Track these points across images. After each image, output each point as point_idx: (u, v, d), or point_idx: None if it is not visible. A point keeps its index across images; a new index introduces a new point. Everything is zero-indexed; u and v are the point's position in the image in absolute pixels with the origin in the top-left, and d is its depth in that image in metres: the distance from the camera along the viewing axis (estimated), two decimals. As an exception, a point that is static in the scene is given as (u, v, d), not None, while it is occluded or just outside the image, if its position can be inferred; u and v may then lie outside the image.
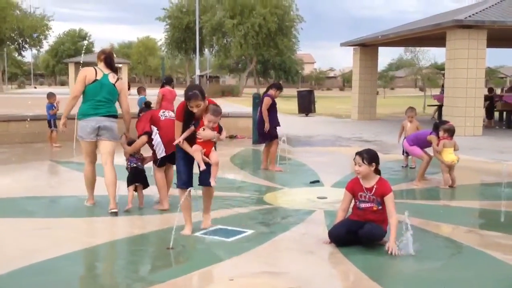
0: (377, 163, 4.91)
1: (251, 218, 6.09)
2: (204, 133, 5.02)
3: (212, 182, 5.06)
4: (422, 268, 4.47)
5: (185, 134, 5.09)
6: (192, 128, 5.05)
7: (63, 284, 4.02)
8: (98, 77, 6.18)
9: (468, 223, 5.94)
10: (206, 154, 5.07)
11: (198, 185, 5.26)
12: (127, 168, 6.39)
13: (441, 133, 7.86)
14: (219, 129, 5.13)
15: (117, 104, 6.41)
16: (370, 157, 4.87)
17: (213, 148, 5.16)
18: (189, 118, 5.08)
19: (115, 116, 6.30)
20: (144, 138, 6.25)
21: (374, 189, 4.88)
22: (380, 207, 4.86)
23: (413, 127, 9.53)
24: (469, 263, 4.63)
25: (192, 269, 4.31)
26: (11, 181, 8.18)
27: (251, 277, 4.18)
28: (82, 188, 6.52)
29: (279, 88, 9.54)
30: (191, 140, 5.10)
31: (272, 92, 9.27)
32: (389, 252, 4.60)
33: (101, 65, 6.29)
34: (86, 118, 6.14)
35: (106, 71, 6.27)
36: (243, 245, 4.96)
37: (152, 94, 18.75)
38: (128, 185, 6.28)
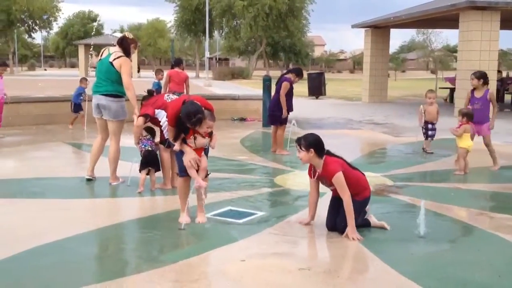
0: (316, 148, 4.70)
1: (262, 200, 6.11)
2: (197, 141, 4.89)
3: (197, 185, 4.88)
4: (432, 250, 4.47)
5: (179, 142, 4.93)
6: (182, 135, 4.92)
7: (73, 265, 4.06)
8: (102, 57, 6.48)
9: (479, 206, 5.92)
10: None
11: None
12: (141, 152, 6.39)
13: (459, 118, 7.74)
14: (210, 134, 4.99)
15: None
16: (307, 143, 4.70)
17: (203, 153, 5.01)
18: (183, 125, 4.87)
19: (115, 96, 6.38)
20: (139, 120, 6.12)
21: (322, 174, 4.78)
22: (332, 187, 4.77)
23: (433, 110, 9.35)
24: (479, 245, 4.62)
25: (204, 250, 4.34)
26: (22, 162, 8.25)
27: (262, 258, 4.20)
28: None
29: (299, 74, 9.09)
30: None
31: (291, 76, 8.99)
32: (351, 239, 4.54)
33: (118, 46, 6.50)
34: (92, 96, 6.55)
35: (113, 50, 6.43)
36: (254, 226, 4.98)
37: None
38: (141, 169, 6.30)
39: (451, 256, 4.34)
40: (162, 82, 12.56)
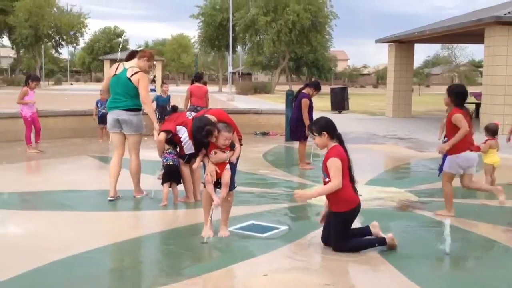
0: (329, 130, 4.73)
1: (284, 214, 6.10)
2: (216, 157, 4.93)
3: (216, 200, 4.90)
4: (458, 267, 4.41)
5: (199, 159, 5.03)
6: (204, 151, 4.97)
7: (97, 277, 4.11)
8: (118, 72, 6.45)
9: (505, 223, 5.80)
10: (219, 175, 4.97)
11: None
12: (163, 166, 6.46)
13: (485, 133, 7.63)
14: (231, 146, 4.99)
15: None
16: (318, 127, 4.75)
17: (228, 167, 5.01)
18: (200, 140, 4.96)
19: (134, 110, 6.43)
20: (161, 135, 6.23)
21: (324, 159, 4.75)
22: (327, 179, 4.66)
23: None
24: (506, 262, 4.53)
25: (226, 264, 4.34)
26: (49, 175, 8.38)
27: (285, 273, 4.18)
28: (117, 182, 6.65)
29: (317, 87, 9.08)
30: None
31: (309, 90, 8.99)
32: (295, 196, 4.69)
33: (132, 61, 6.49)
34: (109, 112, 6.54)
35: (128, 65, 6.45)
36: (276, 241, 4.97)
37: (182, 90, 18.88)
38: (163, 182, 6.38)
39: (477, 273, 4.26)
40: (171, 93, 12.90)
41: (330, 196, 4.70)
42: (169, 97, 13.63)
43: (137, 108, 6.46)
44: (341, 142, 4.81)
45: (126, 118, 6.40)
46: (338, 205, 4.65)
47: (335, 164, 4.59)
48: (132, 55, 6.61)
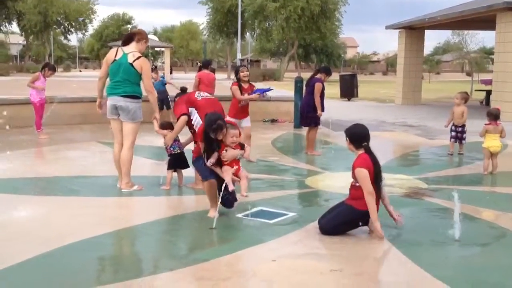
0: (351, 138, 4.84)
1: (293, 200, 6.09)
2: (228, 153, 5.02)
3: (244, 192, 4.99)
4: (467, 253, 4.39)
5: (214, 159, 5.06)
6: (216, 154, 5.04)
7: (108, 261, 4.15)
8: (117, 57, 6.22)
9: (516, 210, 5.77)
10: (236, 173, 5.07)
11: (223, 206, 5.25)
12: (170, 155, 6.47)
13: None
14: (241, 147, 5.12)
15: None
16: (346, 133, 4.90)
17: (240, 165, 5.12)
18: (210, 138, 5.05)
19: (133, 97, 6.21)
20: (183, 118, 6.02)
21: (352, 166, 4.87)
22: (357, 184, 4.74)
23: (459, 112, 9.27)
24: (517, 251, 4.51)
25: (235, 250, 4.34)
26: (59, 161, 8.42)
27: (293, 259, 4.18)
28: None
29: (328, 72, 9.12)
30: (218, 162, 5.13)
31: (321, 76, 9.00)
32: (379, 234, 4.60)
33: (131, 45, 6.27)
34: (108, 97, 6.32)
35: (127, 50, 6.23)
36: (285, 227, 4.97)
37: (191, 78, 18.87)
38: (168, 168, 6.44)
39: (486, 260, 4.25)
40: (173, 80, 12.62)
41: (354, 191, 4.75)
42: (162, 82, 13.34)
43: (135, 96, 6.24)
44: (368, 151, 4.82)
45: (123, 105, 6.19)
46: (358, 202, 4.69)
47: (361, 174, 4.67)
48: (129, 39, 6.33)
